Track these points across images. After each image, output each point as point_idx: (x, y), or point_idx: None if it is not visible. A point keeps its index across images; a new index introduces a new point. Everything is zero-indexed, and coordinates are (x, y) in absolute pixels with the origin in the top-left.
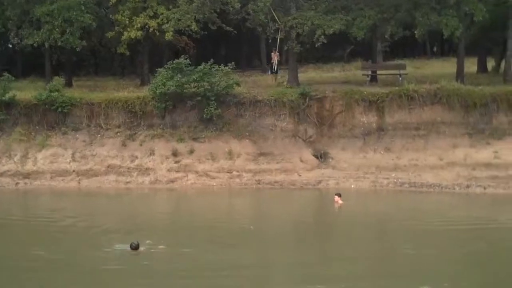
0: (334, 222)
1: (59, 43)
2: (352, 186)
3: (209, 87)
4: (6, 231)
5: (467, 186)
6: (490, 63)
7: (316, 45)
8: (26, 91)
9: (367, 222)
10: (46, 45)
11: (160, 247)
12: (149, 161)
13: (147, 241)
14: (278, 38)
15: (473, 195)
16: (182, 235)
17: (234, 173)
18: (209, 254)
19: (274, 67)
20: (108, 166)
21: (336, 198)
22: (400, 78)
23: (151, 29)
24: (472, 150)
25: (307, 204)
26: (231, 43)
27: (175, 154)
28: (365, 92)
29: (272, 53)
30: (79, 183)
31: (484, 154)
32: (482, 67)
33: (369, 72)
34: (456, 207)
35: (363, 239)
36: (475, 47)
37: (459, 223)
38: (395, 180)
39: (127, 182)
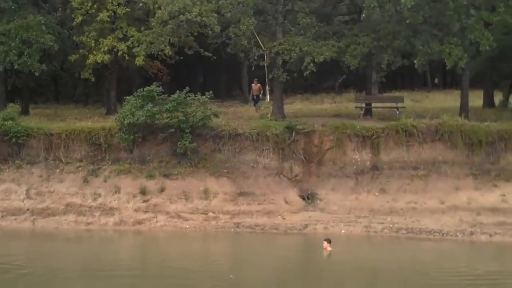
0: (322, 272)
1: (16, 66)
2: (343, 231)
3: (183, 118)
4: None
5: (471, 233)
6: (497, 97)
7: (305, 74)
8: None
9: (358, 273)
10: (1, 68)
11: None
12: (114, 200)
13: None
14: (266, 65)
15: (477, 244)
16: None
17: (210, 214)
18: None
19: (255, 97)
20: (67, 205)
21: (325, 244)
22: (398, 112)
23: (119, 53)
24: (477, 193)
25: (292, 250)
26: (210, 70)
27: (143, 192)
28: (358, 127)
29: (253, 84)
30: (33, 223)
31: (490, 197)
32: (489, 101)
33: (363, 105)
34: (458, 257)
35: None
36: (481, 79)
37: (460, 275)
38: (390, 225)
39: (88, 223)
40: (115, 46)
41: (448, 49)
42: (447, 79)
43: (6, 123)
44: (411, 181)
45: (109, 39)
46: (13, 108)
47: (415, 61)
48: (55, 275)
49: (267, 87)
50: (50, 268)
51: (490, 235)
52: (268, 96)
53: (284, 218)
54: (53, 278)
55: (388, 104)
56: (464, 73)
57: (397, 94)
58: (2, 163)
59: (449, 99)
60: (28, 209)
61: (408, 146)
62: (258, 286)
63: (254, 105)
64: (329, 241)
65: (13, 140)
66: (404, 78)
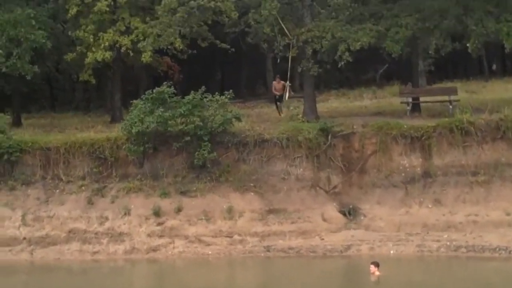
0: None
1: (4, 70)
2: (392, 252)
3: (200, 124)
4: None
5: None
6: None
7: (339, 65)
8: None
9: None
10: None
11: None
12: (124, 224)
13: None
14: (290, 56)
15: None
16: None
17: (236, 237)
18: None
19: (278, 98)
20: (69, 231)
21: (373, 268)
22: (451, 107)
23: (123, 49)
24: None
25: (333, 277)
26: (228, 65)
27: (157, 213)
28: (405, 126)
29: (275, 82)
30: (31, 254)
31: None
32: None
33: (410, 100)
34: None
35: None
36: None
37: None
38: (448, 243)
39: (95, 253)
40: (117, 41)
41: (506, 28)
42: (506, 64)
43: None
44: (470, 189)
45: (110, 33)
46: (2, 119)
47: (468, 45)
48: None
49: (287, 83)
50: None
51: None
52: (287, 94)
53: (323, 239)
54: None
55: (439, 98)
56: None
57: (449, 85)
58: None
59: (510, 89)
60: (24, 238)
61: (465, 147)
62: None
63: (277, 108)
64: (377, 265)
65: (5, 157)
66: (456, 66)
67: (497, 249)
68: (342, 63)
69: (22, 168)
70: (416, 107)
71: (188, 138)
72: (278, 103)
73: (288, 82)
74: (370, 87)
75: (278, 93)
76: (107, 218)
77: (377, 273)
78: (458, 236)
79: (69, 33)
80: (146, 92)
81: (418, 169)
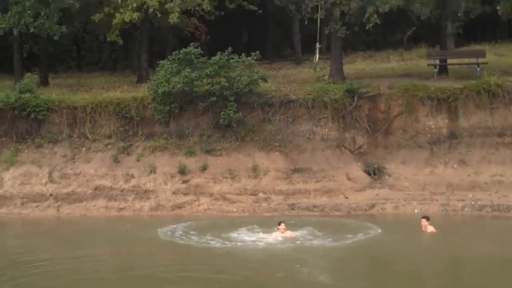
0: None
1: (32, 30)
2: (416, 211)
3: (226, 84)
4: None
5: None
6: None
7: (367, 27)
8: None
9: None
10: (15, 32)
11: None
12: (149, 181)
13: None
14: (319, 19)
15: None
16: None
17: (260, 195)
18: None
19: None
20: (95, 189)
21: (424, 222)
22: (478, 69)
23: (150, 10)
24: None
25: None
26: (255, 27)
27: (182, 171)
28: (432, 88)
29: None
30: (58, 210)
31: None
32: None
33: (437, 62)
34: None
35: None
36: None
37: None
38: (472, 203)
39: (121, 209)
40: (144, 2)
41: None
42: None
43: (23, 96)
44: (496, 150)
45: None
46: (30, 78)
47: (497, 7)
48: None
49: (317, 45)
50: (78, 266)
51: None
52: (317, 56)
53: (347, 198)
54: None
55: (467, 60)
56: None
57: (477, 47)
58: (20, 143)
59: None
60: (51, 195)
61: (492, 109)
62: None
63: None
64: (428, 219)
65: (32, 115)
66: (485, 29)
67: None
68: (370, 25)
69: (49, 126)
70: (443, 69)
71: (214, 99)
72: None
73: (318, 43)
74: (397, 50)
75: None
76: (132, 176)
77: (429, 227)
78: (483, 196)
79: None
80: (173, 53)
81: (444, 130)
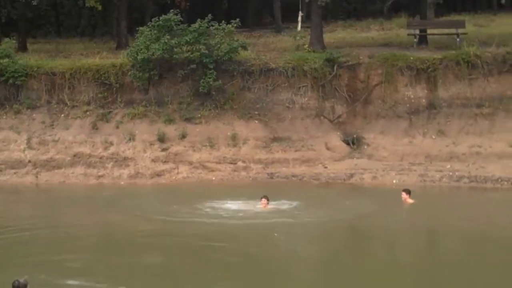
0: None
1: None
2: (394, 181)
3: (206, 52)
4: None
5: None
6: None
7: None
8: None
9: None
10: None
11: None
12: (128, 149)
13: None
14: None
15: None
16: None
17: (240, 164)
18: None
19: None
20: (74, 156)
21: (404, 195)
22: (458, 39)
23: None
24: None
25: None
26: None
27: (161, 139)
28: (411, 58)
29: None
30: (36, 177)
31: None
32: None
33: (417, 32)
34: None
35: None
36: None
37: None
38: (450, 173)
39: (99, 176)
40: None
41: None
42: None
43: (1, 61)
44: (474, 121)
45: None
46: (8, 44)
47: None
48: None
49: (300, 13)
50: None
51: None
52: (300, 24)
53: (326, 167)
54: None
55: (447, 30)
56: None
57: (457, 18)
58: None
59: None
60: (29, 161)
61: (471, 80)
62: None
63: None
64: (408, 192)
65: (10, 81)
66: None
67: (499, 180)
68: None
69: (27, 92)
70: (423, 39)
71: (193, 66)
72: None
73: (300, 12)
74: (377, 19)
75: None
76: (111, 143)
77: (409, 200)
78: (461, 166)
79: None
80: (153, 20)
81: (423, 100)
